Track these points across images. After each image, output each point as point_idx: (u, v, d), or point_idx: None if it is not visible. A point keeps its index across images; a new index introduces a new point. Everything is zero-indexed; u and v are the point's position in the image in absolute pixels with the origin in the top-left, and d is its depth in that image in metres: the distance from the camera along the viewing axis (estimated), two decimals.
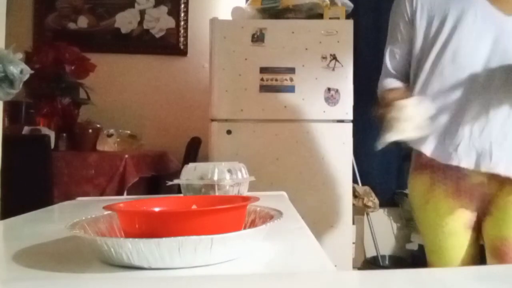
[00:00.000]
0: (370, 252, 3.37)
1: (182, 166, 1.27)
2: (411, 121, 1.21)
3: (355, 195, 3.09)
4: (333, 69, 2.55)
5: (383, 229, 3.41)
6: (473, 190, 1.35)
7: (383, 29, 1.57)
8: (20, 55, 0.77)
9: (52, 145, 2.60)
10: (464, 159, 1.30)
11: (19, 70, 0.81)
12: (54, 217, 1.05)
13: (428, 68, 1.36)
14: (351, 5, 2.72)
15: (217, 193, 0.98)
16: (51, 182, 2.42)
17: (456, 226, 1.37)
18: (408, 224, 3.36)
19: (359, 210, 3.17)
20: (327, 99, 2.55)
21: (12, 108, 2.67)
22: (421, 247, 2.99)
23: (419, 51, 1.40)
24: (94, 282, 0.50)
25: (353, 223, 2.78)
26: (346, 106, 2.53)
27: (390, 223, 3.48)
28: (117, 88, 3.43)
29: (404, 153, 3.41)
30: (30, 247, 0.65)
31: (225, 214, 0.58)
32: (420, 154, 1.40)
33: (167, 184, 1.33)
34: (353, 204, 2.71)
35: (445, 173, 1.36)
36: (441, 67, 1.33)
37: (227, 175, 1.18)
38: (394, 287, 0.42)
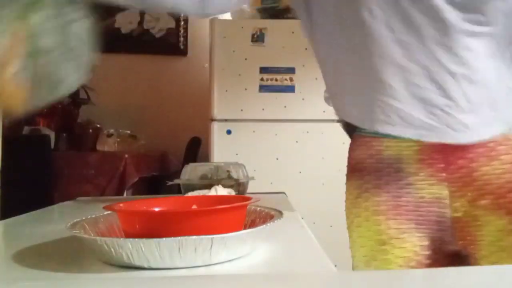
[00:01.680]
0: None
1: (182, 166, 1.27)
2: None
3: None
4: None
5: None
6: (421, 208, 0.82)
7: None
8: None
9: (52, 145, 2.60)
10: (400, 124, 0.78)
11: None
12: (54, 217, 1.05)
13: None
14: None
15: (217, 193, 0.98)
16: (51, 182, 2.42)
17: (394, 261, 0.83)
18: None
19: None
20: (327, 99, 2.55)
21: None
22: None
23: None
24: (94, 282, 0.50)
25: None
26: None
27: None
28: (117, 88, 3.43)
29: None
30: (30, 247, 0.65)
31: (225, 214, 0.58)
32: (352, 142, 0.97)
33: (167, 184, 1.33)
34: None
35: (379, 176, 0.86)
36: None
37: (227, 175, 1.18)
38: (394, 287, 0.42)
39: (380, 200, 0.85)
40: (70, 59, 0.68)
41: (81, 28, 0.69)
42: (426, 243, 0.82)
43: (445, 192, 0.80)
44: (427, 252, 0.82)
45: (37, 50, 0.64)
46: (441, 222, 0.81)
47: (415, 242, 0.83)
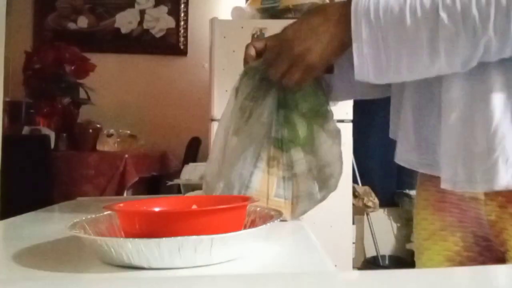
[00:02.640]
0: (370, 252, 3.37)
1: (182, 166, 1.27)
2: None
3: (355, 195, 3.09)
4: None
5: (383, 229, 3.41)
6: (462, 205, 0.81)
7: None
8: None
9: (52, 145, 2.60)
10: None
11: None
12: (54, 217, 1.05)
13: None
14: None
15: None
16: (51, 182, 2.42)
17: (434, 257, 0.85)
18: (408, 224, 3.36)
19: (359, 210, 3.17)
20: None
21: (12, 108, 2.67)
22: None
23: None
24: (94, 282, 0.50)
25: (353, 223, 2.78)
26: (346, 106, 2.53)
27: (390, 223, 3.48)
28: (117, 88, 3.43)
29: None
30: (30, 247, 0.65)
31: (225, 214, 0.58)
32: None
33: (167, 184, 1.33)
34: (353, 204, 2.71)
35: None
36: None
37: None
38: (394, 287, 0.42)
39: (428, 193, 0.86)
40: (319, 178, 0.85)
41: (331, 150, 0.88)
42: (469, 242, 0.81)
43: (480, 193, 0.76)
44: (471, 253, 0.81)
45: (292, 175, 0.83)
46: (481, 223, 0.78)
47: (457, 241, 0.81)
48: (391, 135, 0.93)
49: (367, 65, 0.70)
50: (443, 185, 0.74)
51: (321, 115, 0.88)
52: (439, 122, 0.74)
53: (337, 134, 0.89)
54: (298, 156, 0.85)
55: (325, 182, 0.86)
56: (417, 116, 0.81)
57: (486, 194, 0.76)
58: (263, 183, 0.83)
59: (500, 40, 0.64)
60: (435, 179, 0.82)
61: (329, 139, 0.87)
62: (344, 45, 0.74)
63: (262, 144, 0.84)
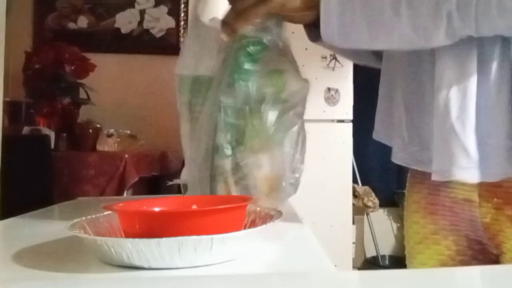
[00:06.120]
0: (370, 252, 3.37)
1: (182, 166, 1.27)
2: None
3: (355, 195, 3.09)
4: (333, 69, 2.55)
5: (383, 229, 3.41)
6: (455, 207, 0.80)
7: None
8: None
9: (52, 145, 2.60)
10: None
11: None
12: (54, 217, 1.05)
13: None
14: None
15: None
16: (51, 182, 2.42)
17: (427, 262, 0.84)
18: None
19: (359, 210, 3.18)
20: (327, 99, 2.56)
21: (12, 108, 2.67)
22: None
23: None
24: (94, 282, 0.50)
25: (353, 223, 2.78)
26: (346, 106, 2.53)
27: (390, 223, 3.49)
28: (117, 88, 3.43)
29: None
30: (30, 247, 0.65)
31: (225, 214, 0.58)
32: None
33: (167, 184, 1.33)
34: (353, 204, 2.71)
35: (424, 173, 0.81)
36: None
37: None
38: (394, 287, 0.42)
39: (420, 196, 0.85)
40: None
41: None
42: (462, 246, 0.80)
43: (475, 195, 0.76)
44: (464, 257, 0.80)
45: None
46: (475, 225, 0.78)
47: (450, 245, 0.81)
48: (375, 137, 0.93)
49: (332, 23, 0.71)
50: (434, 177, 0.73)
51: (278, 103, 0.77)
52: (431, 120, 0.74)
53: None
54: (247, 156, 0.77)
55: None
56: (410, 115, 0.81)
57: (480, 195, 0.75)
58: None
59: (461, 13, 0.63)
60: (427, 181, 0.81)
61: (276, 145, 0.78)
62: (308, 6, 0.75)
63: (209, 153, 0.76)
